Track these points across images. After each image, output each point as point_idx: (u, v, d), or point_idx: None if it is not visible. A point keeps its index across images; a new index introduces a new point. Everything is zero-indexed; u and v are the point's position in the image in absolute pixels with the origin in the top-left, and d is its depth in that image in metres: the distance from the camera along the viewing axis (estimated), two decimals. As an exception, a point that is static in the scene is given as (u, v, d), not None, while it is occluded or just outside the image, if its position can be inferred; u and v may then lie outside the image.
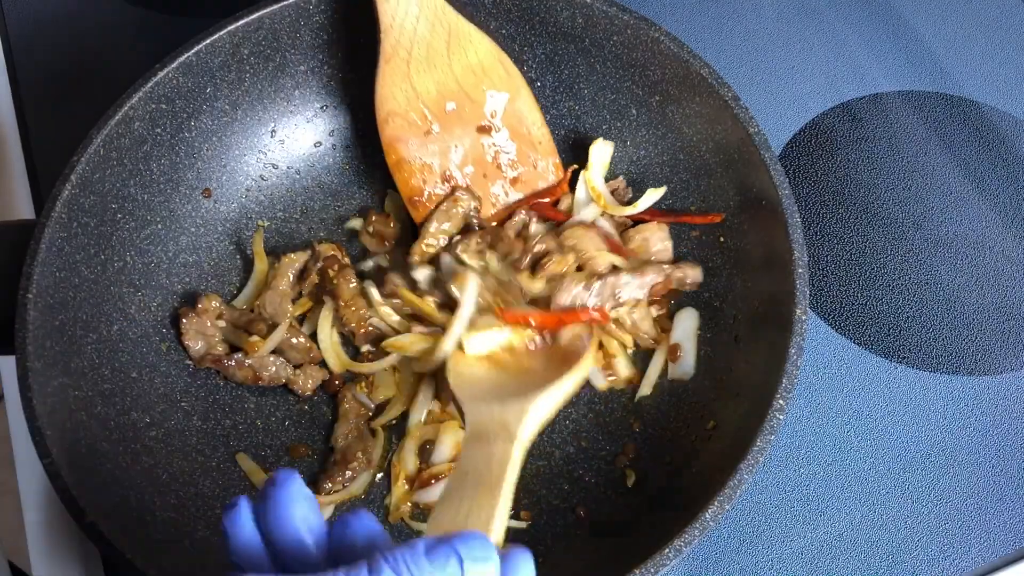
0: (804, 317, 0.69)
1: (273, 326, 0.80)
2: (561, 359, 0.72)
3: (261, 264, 0.84)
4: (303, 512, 0.46)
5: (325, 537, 0.47)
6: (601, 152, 0.85)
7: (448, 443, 0.78)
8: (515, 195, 0.86)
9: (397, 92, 0.81)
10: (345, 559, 0.44)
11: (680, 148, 0.83)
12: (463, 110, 0.83)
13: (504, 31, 0.85)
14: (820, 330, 0.88)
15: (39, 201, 0.93)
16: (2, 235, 0.74)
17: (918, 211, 0.95)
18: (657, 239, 0.83)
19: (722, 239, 0.81)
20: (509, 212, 0.86)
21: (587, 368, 0.71)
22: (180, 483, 0.74)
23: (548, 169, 0.86)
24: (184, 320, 0.79)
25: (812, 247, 0.92)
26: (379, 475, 0.78)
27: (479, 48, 0.81)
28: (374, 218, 0.86)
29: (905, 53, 1.06)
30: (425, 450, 0.78)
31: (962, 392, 0.85)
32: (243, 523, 0.47)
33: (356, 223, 0.88)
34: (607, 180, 0.86)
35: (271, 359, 0.79)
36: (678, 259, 0.84)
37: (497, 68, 0.82)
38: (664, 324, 0.82)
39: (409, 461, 0.78)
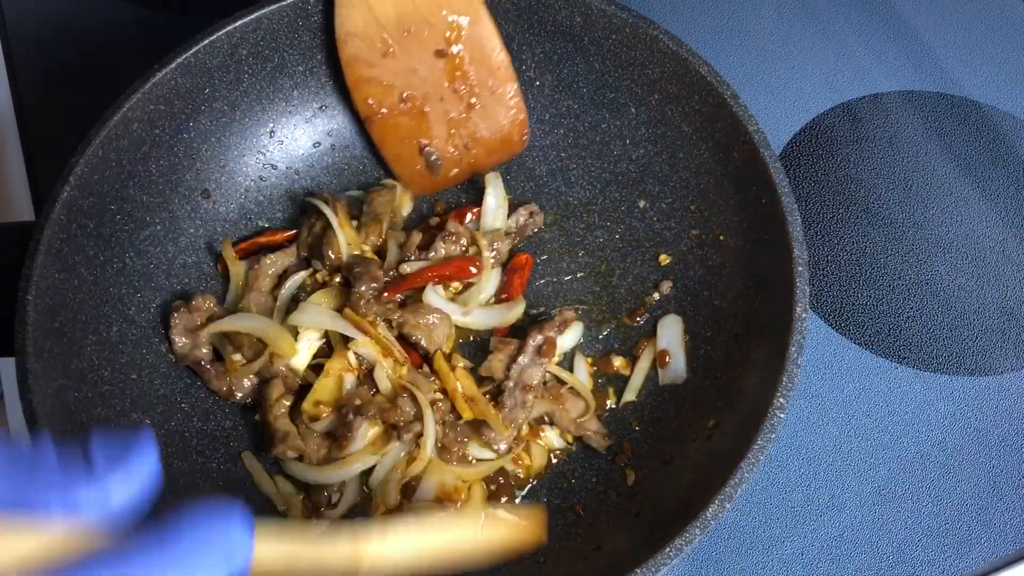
0: (804, 316, 0.69)
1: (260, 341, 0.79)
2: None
3: (236, 268, 0.83)
4: None
5: None
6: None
7: (433, 483, 0.76)
8: (472, 128, 0.86)
9: (355, 13, 0.81)
10: None
11: (680, 146, 0.83)
12: (422, 33, 0.83)
13: (503, 30, 0.85)
14: (820, 330, 0.88)
15: (39, 202, 0.93)
16: (2, 236, 0.74)
17: (918, 211, 0.95)
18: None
19: (722, 237, 0.81)
20: (469, 173, 0.88)
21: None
22: (180, 485, 0.73)
23: (506, 95, 0.86)
24: (175, 315, 0.79)
25: (812, 247, 0.92)
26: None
27: None
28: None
29: (905, 53, 1.06)
30: (409, 487, 0.76)
31: (962, 392, 0.85)
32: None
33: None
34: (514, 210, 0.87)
35: (247, 382, 0.79)
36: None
37: None
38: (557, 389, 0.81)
39: (391, 495, 0.76)
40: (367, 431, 0.76)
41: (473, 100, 0.85)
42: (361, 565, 0.52)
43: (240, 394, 0.79)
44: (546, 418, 0.79)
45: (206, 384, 0.79)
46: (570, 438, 0.79)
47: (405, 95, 0.84)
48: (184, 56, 0.79)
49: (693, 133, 0.82)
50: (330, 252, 0.82)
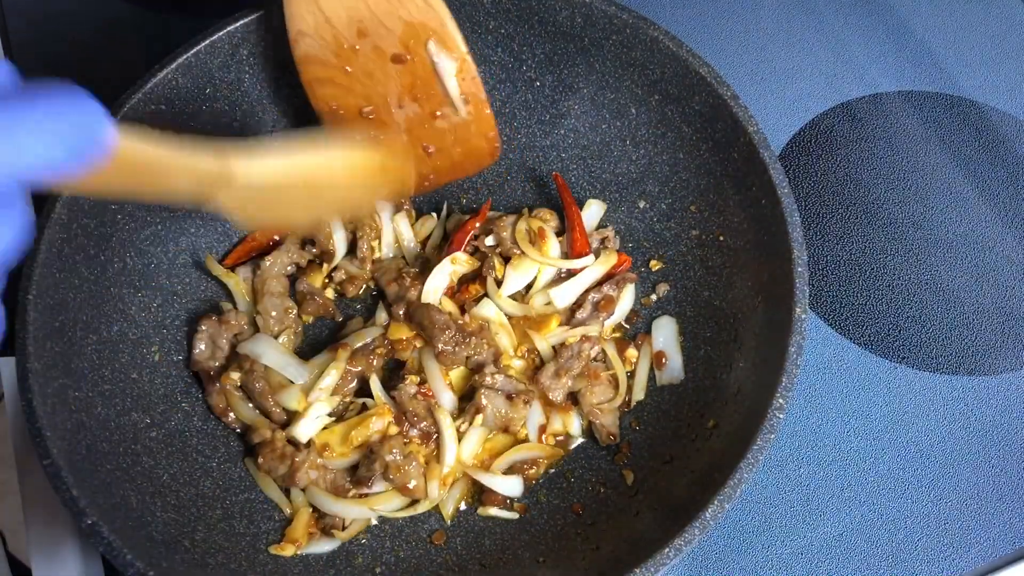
0: (804, 317, 0.69)
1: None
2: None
3: (230, 279, 0.84)
4: None
5: None
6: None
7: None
8: (438, 139, 0.82)
9: (305, 13, 0.77)
10: None
11: (680, 147, 0.83)
12: (378, 37, 0.77)
13: (503, 30, 0.85)
14: (820, 330, 0.88)
15: (39, 201, 0.92)
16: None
17: (918, 211, 0.95)
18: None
19: (722, 238, 0.81)
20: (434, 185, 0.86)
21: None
22: (181, 484, 0.74)
23: (476, 109, 0.81)
24: (204, 323, 0.80)
25: (812, 247, 0.92)
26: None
27: None
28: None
29: (905, 53, 1.06)
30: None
31: (962, 392, 0.85)
32: None
33: None
34: (598, 228, 0.87)
35: (246, 406, 0.79)
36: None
37: None
38: (623, 346, 0.83)
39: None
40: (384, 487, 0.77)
41: (437, 111, 0.81)
42: (230, 175, 0.54)
43: (230, 417, 0.79)
44: (573, 397, 0.81)
45: (205, 397, 0.80)
46: (583, 427, 0.81)
47: (360, 105, 0.81)
48: (185, 56, 0.79)
49: (693, 134, 0.82)
50: (321, 238, 0.85)
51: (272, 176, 0.58)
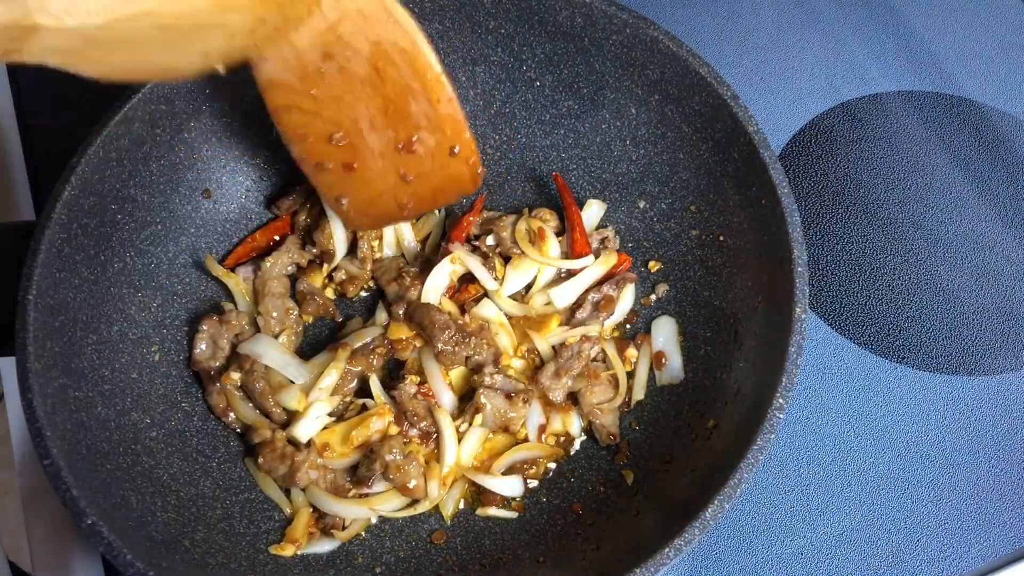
0: (804, 316, 0.69)
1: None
2: None
3: (231, 280, 0.84)
4: None
5: None
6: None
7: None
8: (415, 165, 0.77)
9: None
10: None
11: (680, 147, 0.83)
12: (343, 59, 0.72)
13: (504, 31, 0.85)
14: (820, 330, 0.88)
15: (39, 202, 0.93)
16: (2, 236, 0.74)
17: (918, 211, 0.95)
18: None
19: (722, 238, 0.81)
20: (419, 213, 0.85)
21: None
22: (180, 484, 0.74)
23: (454, 132, 0.76)
24: (205, 323, 0.80)
25: (812, 247, 0.92)
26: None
27: None
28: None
29: (905, 53, 1.06)
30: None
31: (962, 392, 0.85)
32: None
33: None
34: (597, 228, 0.88)
35: (246, 406, 0.79)
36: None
37: (380, 15, 0.70)
38: (623, 345, 0.83)
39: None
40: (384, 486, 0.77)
41: (412, 136, 0.76)
42: (33, 25, 0.45)
43: (231, 417, 0.79)
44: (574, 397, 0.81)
45: (206, 397, 0.80)
46: (583, 427, 0.81)
47: (336, 135, 0.76)
48: (185, 56, 0.78)
49: (693, 134, 0.82)
50: (322, 238, 0.85)
51: (101, 17, 0.50)
